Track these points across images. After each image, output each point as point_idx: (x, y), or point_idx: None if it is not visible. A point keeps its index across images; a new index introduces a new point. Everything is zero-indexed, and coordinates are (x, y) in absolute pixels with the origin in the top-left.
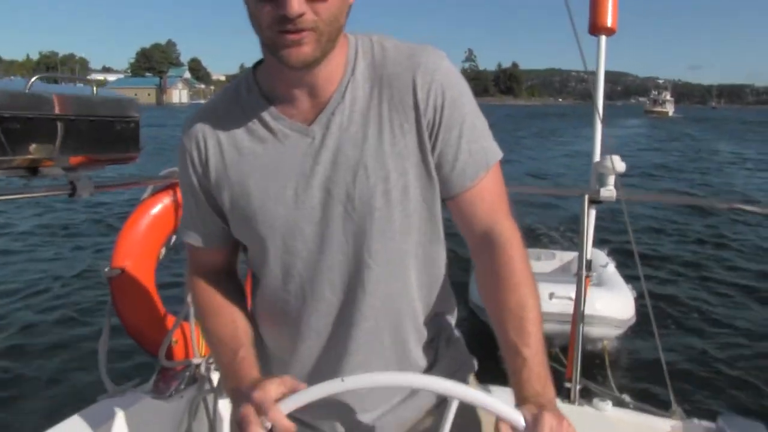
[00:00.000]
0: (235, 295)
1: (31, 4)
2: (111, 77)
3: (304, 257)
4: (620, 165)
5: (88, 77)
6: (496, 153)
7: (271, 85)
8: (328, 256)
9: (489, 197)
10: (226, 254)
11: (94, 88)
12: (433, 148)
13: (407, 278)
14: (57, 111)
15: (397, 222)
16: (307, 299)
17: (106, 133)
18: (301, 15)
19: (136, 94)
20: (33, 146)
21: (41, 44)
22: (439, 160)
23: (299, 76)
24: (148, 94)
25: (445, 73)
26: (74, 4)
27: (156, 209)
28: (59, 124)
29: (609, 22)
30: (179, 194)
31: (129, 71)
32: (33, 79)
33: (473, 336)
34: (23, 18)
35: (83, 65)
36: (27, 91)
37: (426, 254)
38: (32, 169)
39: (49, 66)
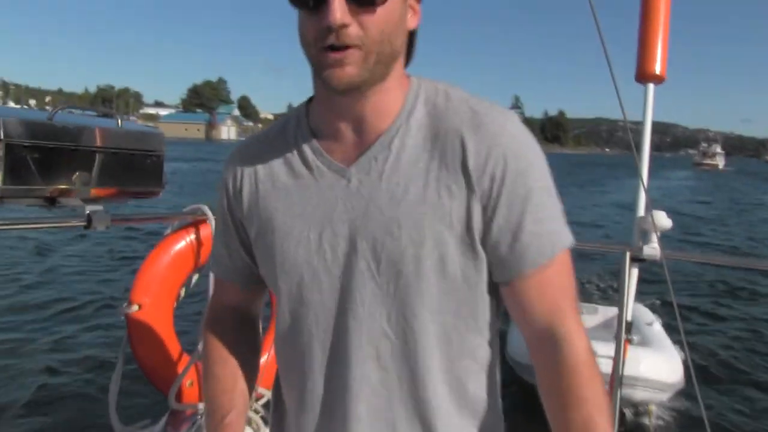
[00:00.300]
0: (248, 344)
1: (91, 39)
2: (163, 111)
3: (316, 312)
4: (665, 222)
5: (141, 111)
6: (566, 240)
7: (319, 117)
8: (341, 316)
9: (552, 290)
10: (248, 295)
11: (119, 121)
12: (489, 223)
13: (429, 364)
14: (79, 142)
15: (425, 295)
16: (314, 360)
17: (128, 167)
18: (344, 26)
19: (186, 129)
20: (52, 177)
21: (99, 78)
22: (496, 238)
23: (345, 105)
24: (198, 130)
25: (510, 138)
26: (132, 40)
27: (178, 246)
28: (80, 156)
29: (657, 69)
30: (202, 232)
31: (180, 106)
32: (56, 110)
33: (509, 395)
34: (83, 52)
35: (137, 99)
36: (49, 121)
37: (459, 342)
38: (51, 199)
39: (105, 99)
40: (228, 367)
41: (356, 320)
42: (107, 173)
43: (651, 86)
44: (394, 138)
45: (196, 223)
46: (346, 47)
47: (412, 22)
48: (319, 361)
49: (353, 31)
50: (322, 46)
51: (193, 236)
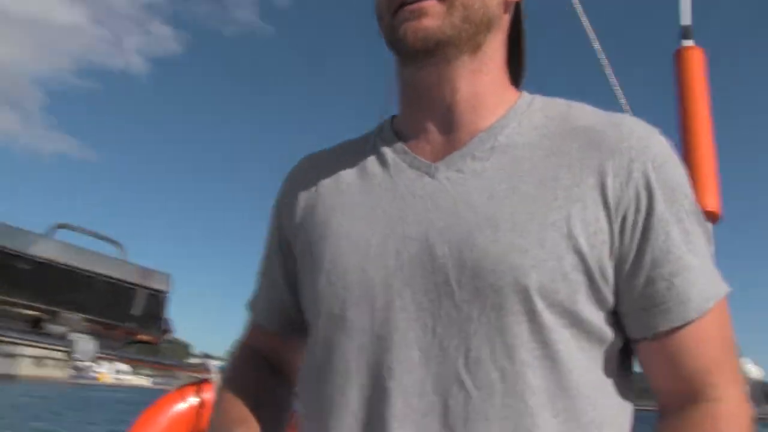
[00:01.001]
0: (275, 393)
1: None
2: (212, 363)
3: (361, 342)
4: (756, 371)
5: (188, 360)
6: (722, 285)
7: (403, 118)
8: (394, 350)
9: (706, 346)
10: (285, 346)
11: (122, 251)
12: (635, 252)
13: (528, 425)
14: (76, 265)
15: (524, 326)
16: (346, 413)
17: (125, 301)
18: None
19: None
20: (42, 295)
21: None
22: (650, 273)
23: (432, 89)
24: None
25: (659, 149)
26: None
27: (178, 407)
28: (75, 278)
29: (711, 206)
30: (206, 393)
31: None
32: (55, 225)
33: None
34: None
35: (186, 348)
36: (50, 236)
37: (576, 401)
38: (35, 320)
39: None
40: (245, 409)
41: (417, 356)
42: (101, 305)
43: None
44: (497, 136)
45: (201, 383)
46: None
47: None
48: (354, 414)
49: None
50: (395, 5)
51: (196, 397)
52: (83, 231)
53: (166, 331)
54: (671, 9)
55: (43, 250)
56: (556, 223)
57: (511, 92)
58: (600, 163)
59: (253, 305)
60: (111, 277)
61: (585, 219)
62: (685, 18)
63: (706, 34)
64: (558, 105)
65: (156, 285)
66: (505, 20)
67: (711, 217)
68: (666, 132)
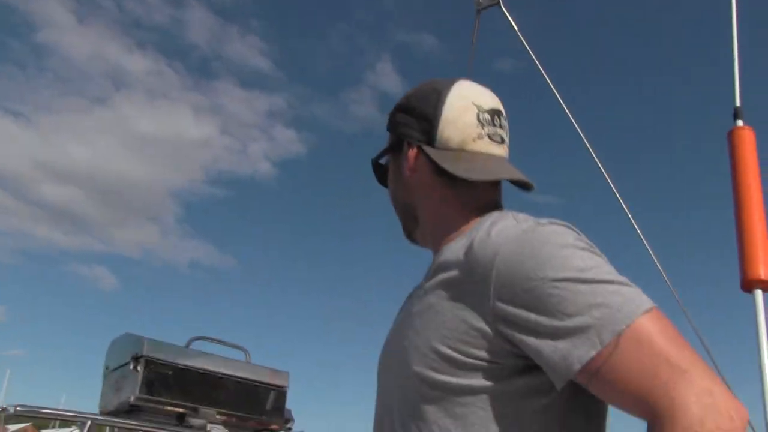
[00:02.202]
0: None
1: None
2: None
3: (378, 424)
4: None
5: None
6: (627, 310)
7: None
8: (383, 426)
9: (638, 366)
10: None
11: (247, 355)
12: (521, 333)
13: None
14: (209, 369)
15: (446, 413)
16: None
17: (251, 396)
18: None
19: None
20: (182, 396)
21: None
22: (538, 346)
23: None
24: None
25: (507, 256)
26: None
27: None
28: (209, 381)
29: (764, 273)
30: None
31: None
32: (193, 338)
33: None
34: None
35: None
36: (186, 347)
37: None
38: (179, 416)
39: None
40: None
41: (387, 421)
42: (232, 400)
43: (759, 293)
44: (435, 269)
45: None
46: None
47: (408, 164)
48: None
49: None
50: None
51: None
52: (214, 340)
53: (288, 420)
54: (725, 90)
55: (184, 359)
56: (451, 331)
57: (469, 223)
58: (473, 294)
59: None
60: (239, 378)
61: (458, 331)
62: (737, 99)
63: (756, 114)
64: (488, 227)
65: (277, 382)
66: (416, 181)
67: (765, 285)
68: (721, 205)
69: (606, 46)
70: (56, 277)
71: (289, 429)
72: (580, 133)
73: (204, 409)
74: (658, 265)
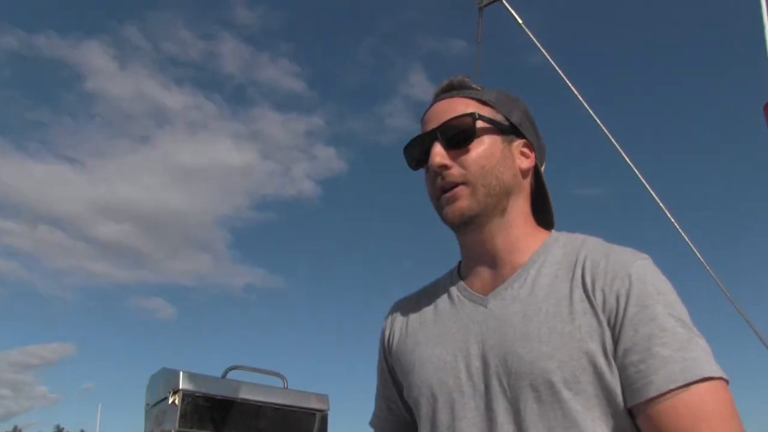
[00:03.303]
0: None
1: None
2: None
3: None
4: None
5: None
6: (706, 370)
7: (463, 264)
8: None
9: (691, 417)
10: None
11: (284, 381)
12: (616, 344)
13: None
14: (246, 397)
15: (558, 411)
16: None
17: (289, 423)
18: (444, 167)
19: None
20: (221, 426)
21: None
22: (623, 361)
23: (475, 243)
24: None
25: (639, 266)
26: None
27: None
28: (247, 409)
29: None
30: None
31: None
32: (230, 368)
33: None
34: None
35: None
36: (223, 377)
37: None
38: None
39: None
40: None
41: None
42: (271, 428)
43: None
44: (530, 269)
45: None
46: (453, 186)
47: (523, 163)
48: None
49: (455, 171)
50: (437, 192)
51: None
52: (250, 369)
53: None
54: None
55: (221, 390)
56: (571, 333)
57: (539, 234)
58: (592, 284)
59: (374, 423)
60: (277, 404)
61: (588, 326)
62: None
63: None
64: (574, 241)
65: (316, 405)
66: (526, 183)
67: None
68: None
69: (626, 39)
70: (117, 311)
71: None
72: (604, 129)
73: None
74: (699, 256)
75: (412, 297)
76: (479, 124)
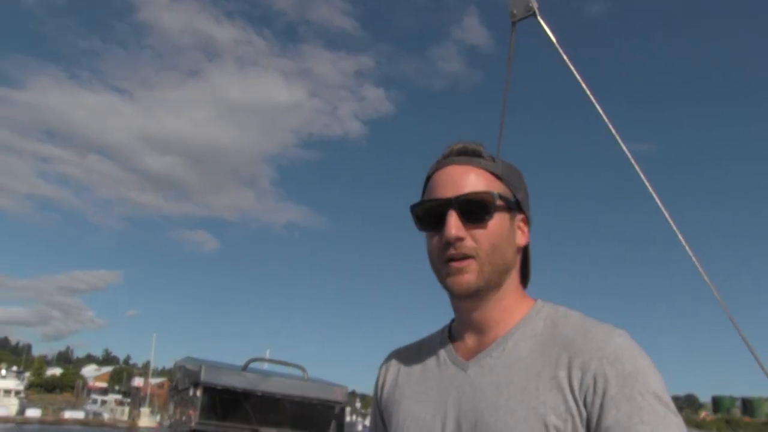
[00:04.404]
0: None
1: None
2: None
3: None
4: None
5: None
6: None
7: (455, 326)
8: None
9: None
10: None
11: (305, 373)
12: (597, 422)
13: None
14: (266, 389)
15: None
16: None
17: (309, 414)
18: (459, 239)
19: None
20: (242, 418)
21: None
22: None
23: (468, 312)
24: None
25: (617, 345)
26: None
27: None
28: (266, 401)
29: None
30: None
31: None
32: (250, 360)
33: None
34: None
35: None
36: (243, 369)
37: None
38: None
39: None
40: None
41: None
42: (291, 419)
43: None
44: (509, 340)
45: None
46: (463, 258)
47: (521, 239)
48: None
49: (468, 243)
50: (444, 259)
51: None
52: (271, 361)
53: None
54: None
55: (242, 382)
56: (535, 408)
57: (525, 303)
58: (569, 361)
59: None
60: (296, 397)
61: (555, 403)
62: None
63: None
64: (555, 314)
65: (334, 397)
66: (518, 258)
67: None
68: None
69: (655, 57)
70: (163, 242)
71: None
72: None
73: (264, 429)
74: (696, 262)
75: (406, 349)
76: (498, 202)
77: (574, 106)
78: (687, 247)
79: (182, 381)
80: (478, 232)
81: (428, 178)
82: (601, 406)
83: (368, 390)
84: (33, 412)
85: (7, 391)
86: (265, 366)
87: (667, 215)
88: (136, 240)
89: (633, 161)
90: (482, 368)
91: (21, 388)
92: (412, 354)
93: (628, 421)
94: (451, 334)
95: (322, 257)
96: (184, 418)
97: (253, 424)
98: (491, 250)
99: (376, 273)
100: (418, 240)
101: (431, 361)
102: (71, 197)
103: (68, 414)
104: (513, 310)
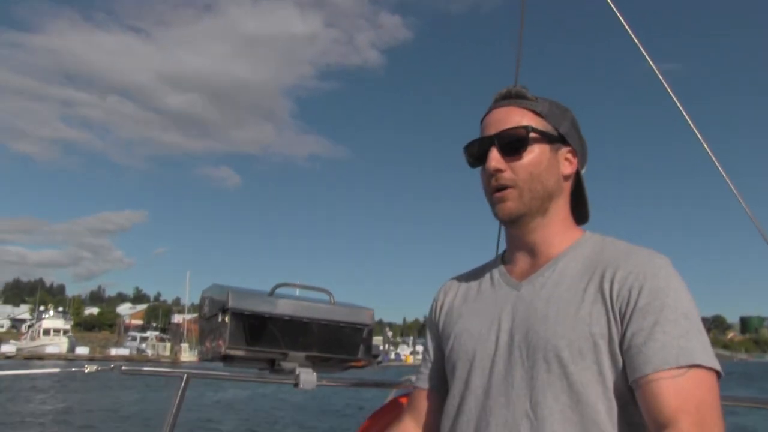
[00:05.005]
0: None
1: None
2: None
3: (477, 394)
4: None
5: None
6: (700, 358)
7: (507, 251)
8: (493, 397)
9: (678, 397)
10: (434, 401)
11: (332, 298)
12: (625, 329)
13: None
14: (293, 314)
15: (564, 382)
16: None
17: (337, 337)
18: (498, 171)
19: None
20: (270, 343)
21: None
22: (629, 342)
23: (518, 237)
24: None
25: (654, 265)
26: None
27: (390, 418)
28: (294, 326)
29: None
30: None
31: None
32: (277, 285)
33: None
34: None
35: None
36: (270, 294)
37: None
38: (270, 362)
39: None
40: None
41: (507, 401)
42: (319, 343)
43: None
44: (559, 262)
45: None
46: (504, 188)
47: (566, 169)
48: None
49: (507, 174)
50: (490, 190)
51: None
52: (297, 286)
53: (375, 356)
54: None
55: (269, 307)
56: (582, 318)
57: (574, 232)
58: (611, 276)
59: (417, 376)
60: (323, 320)
61: (598, 314)
62: None
63: None
64: (602, 242)
65: (361, 320)
66: (567, 186)
67: None
68: None
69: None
70: (187, 180)
71: (379, 362)
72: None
73: (293, 353)
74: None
75: (462, 276)
76: (532, 135)
77: (598, 26)
78: (719, 167)
79: (210, 308)
80: (516, 164)
81: (481, 123)
82: (631, 315)
83: (396, 320)
84: (82, 350)
85: (56, 331)
86: (294, 291)
87: (696, 131)
88: (159, 179)
89: (662, 80)
90: (534, 287)
91: (68, 327)
92: (467, 279)
93: (650, 329)
94: (504, 261)
95: (344, 187)
96: (213, 345)
97: (282, 348)
98: (529, 179)
99: (396, 203)
100: (439, 170)
101: (486, 284)
102: (95, 140)
103: (114, 351)
104: (562, 236)
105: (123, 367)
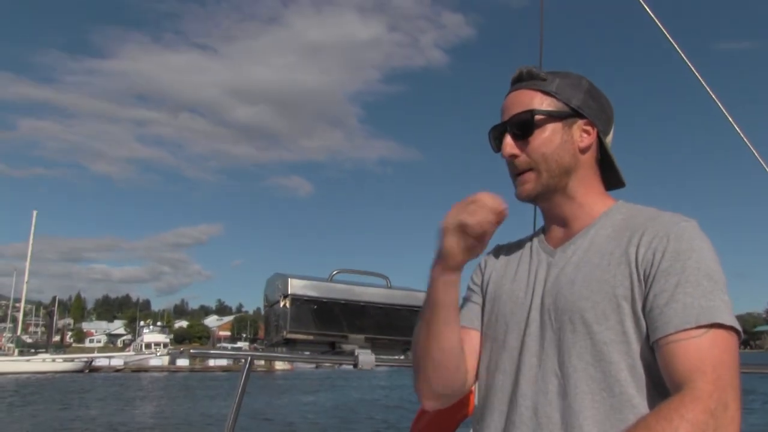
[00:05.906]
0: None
1: None
2: None
3: (512, 354)
4: None
5: None
6: (720, 317)
7: (545, 223)
8: (527, 357)
9: (696, 356)
10: (473, 337)
11: (388, 282)
12: (648, 290)
13: (582, 412)
14: (351, 299)
15: (588, 342)
16: (506, 395)
17: (394, 320)
18: (514, 156)
19: None
20: (329, 326)
21: None
22: (651, 303)
23: (549, 210)
24: None
25: (680, 228)
26: None
27: None
28: (352, 310)
29: None
30: None
31: None
32: (336, 271)
33: None
34: None
35: None
36: (329, 280)
37: (610, 396)
38: (330, 344)
39: None
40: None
41: (539, 360)
42: (376, 325)
43: None
44: (591, 230)
45: None
46: (522, 172)
47: (583, 141)
48: (507, 391)
49: (522, 158)
50: (511, 175)
51: None
52: (354, 272)
53: None
54: None
55: (327, 293)
56: (607, 281)
57: (604, 201)
58: (638, 240)
59: (462, 318)
60: (380, 304)
61: (623, 276)
62: None
63: None
64: (632, 209)
65: (417, 302)
66: (587, 158)
67: None
68: None
69: None
70: (259, 191)
71: None
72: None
73: (352, 336)
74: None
75: (507, 244)
76: (537, 117)
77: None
78: (741, 134)
79: (273, 296)
80: (529, 147)
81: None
82: (654, 276)
83: None
84: (182, 362)
85: (157, 344)
86: (352, 278)
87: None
88: (232, 191)
89: (683, 55)
90: (566, 253)
91: (168, 340)
92: (510, 247)
93: (673, 290)
94: (544, 231)
95: (416, 189)
96: (277, 329)
97: (342, 331)
98: (543, 159)
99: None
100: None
101: (525, 251)
102: (168, 157)
103: (211, 362)
104: (591, 206)
105: (191, 351)
